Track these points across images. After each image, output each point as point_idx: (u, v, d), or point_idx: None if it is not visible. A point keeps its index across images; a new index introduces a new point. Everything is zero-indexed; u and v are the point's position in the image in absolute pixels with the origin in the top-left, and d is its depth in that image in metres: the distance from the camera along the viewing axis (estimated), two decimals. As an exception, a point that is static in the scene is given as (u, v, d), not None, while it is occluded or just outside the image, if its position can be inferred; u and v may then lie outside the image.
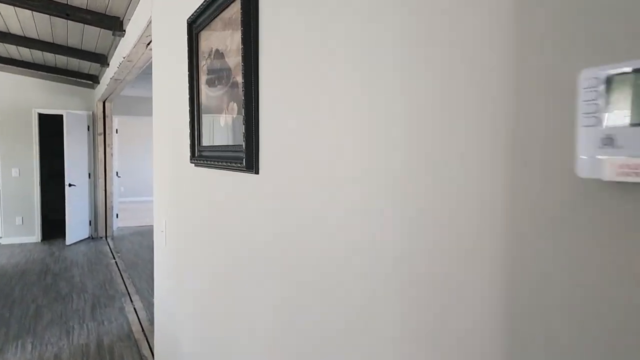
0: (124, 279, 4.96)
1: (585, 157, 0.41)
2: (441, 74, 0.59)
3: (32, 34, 4.33)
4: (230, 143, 1.29)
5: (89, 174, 7.18)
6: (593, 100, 0.40)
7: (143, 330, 3.58)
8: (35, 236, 6.88)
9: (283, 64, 1.00)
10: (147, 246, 6.69)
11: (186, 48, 1.61)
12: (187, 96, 1.63)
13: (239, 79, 1.20)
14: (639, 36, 0.38)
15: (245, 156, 1.14)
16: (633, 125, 0.37)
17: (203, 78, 1.52)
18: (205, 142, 1.53)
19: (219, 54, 1.35)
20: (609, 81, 0.38)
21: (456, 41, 0.56)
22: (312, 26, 0.88)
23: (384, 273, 0.69)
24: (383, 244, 0.69)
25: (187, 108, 1.65)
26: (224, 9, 1.28)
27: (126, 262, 5.75)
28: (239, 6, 1.13)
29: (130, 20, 3.31)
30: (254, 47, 1.11)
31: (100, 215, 7.28)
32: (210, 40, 1.42)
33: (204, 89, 1.51)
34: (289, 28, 0.96)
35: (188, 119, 1.64)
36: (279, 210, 1.03)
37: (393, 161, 0.67)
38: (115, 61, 4.37)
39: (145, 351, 3.18)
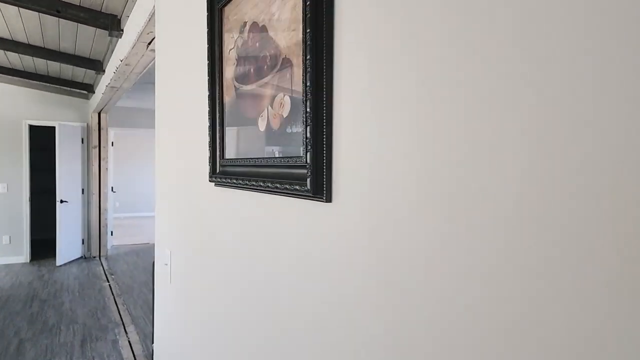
0: (118, 306, 4.50)
1: None
2: None
3: (20, 37, 3.94)
4: (278, 155, 0.89)
5: (82, 190, 6.74)
6: None
7: (140, 370, 3.13)
8: (24, 256, 6.40)
9: (381, 28, 0.61)
10: (142, 267, 6.23)
11: (205, 31, 1.21)
12: (206, 95, 1.23)
13: (297, 59, 0.80)
14: None
15: (310, 174, 0.74)
16: None
17: (229, 69, 1.12)
18: (230, 153, 1.13)
19: (259, 29, 0.95)
20: None
21: None
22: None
23: None
24: None
25: (205, 110, 1.26)
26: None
27: (121, 285, 5.29)
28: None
29: (129, 17, 2.93)
30: (326, 5, 0.72)
31: (94, 233, 6.82)
32: (242, 12, 1.03)
33: (230, 84, 1.12)
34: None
35: (207, 124, 1.24)
36: (370, 267, 0.63)
37: None
38: (111, 66, 3.98)
39: (143, 398, 2.73)
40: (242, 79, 1.06)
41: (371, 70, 0.64)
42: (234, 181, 1.06)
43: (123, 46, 3.24)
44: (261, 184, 0.93)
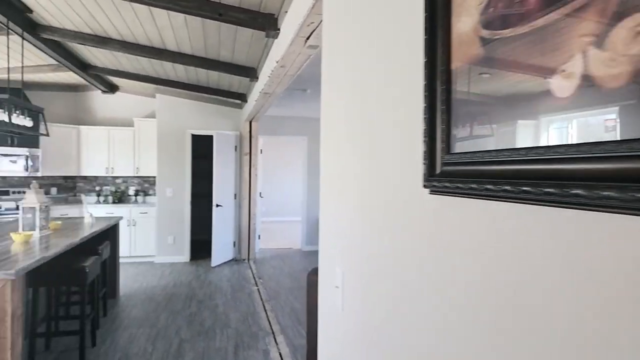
0: (267, 313, 4.46)
1: None
2: None
3: (185, 47, 4.15)
4: (621, 138, 0.46)
5: (235, 195, 7.07)
6: None
7: (292, 390, 2.93)
8: (185, 256, 6.93)
9: None
10: (287, 272, 6.26)
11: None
12: (410, 67, 0.86)
13: None
14: None
15: None
16: None
17: (466, 20, 0.73)
18: (463, 147, 0.73)
19: None
20: None
21: None
22: None
23: None
24: None
25: (412, 92, 0.88)
26: None
27: (268, 290, 5.31)
28: None
29: (287, 13, 2.77)
30: None
31: (244, 237, 7.10)
32: None
33: (469, 38, 0.72)
34: None
35: (416, 108, 0.86)
36: None
37: None
38: (265, 71, 3.95)
39: None
40: (501, 21, 0.65)
41: None
42: (476, 188, 0.66)
43: (279, 47, 3.11)
44: (557, 191, 0.51)
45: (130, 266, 6.45)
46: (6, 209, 6.00)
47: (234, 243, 7.10)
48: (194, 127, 6.90)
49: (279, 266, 6.69)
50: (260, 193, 7.82)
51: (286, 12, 2.79)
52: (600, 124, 0.49)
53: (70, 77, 6.18)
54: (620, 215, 0.44)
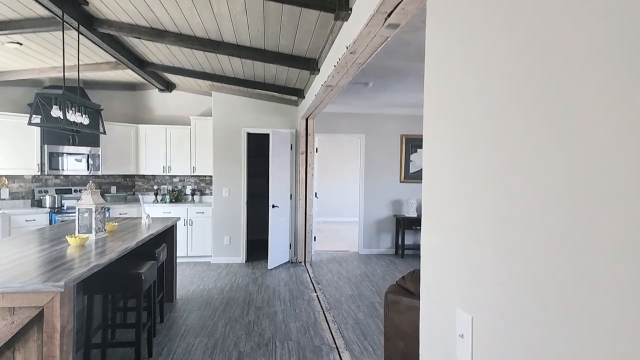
0: (329, 324, 4.12)
1: None
2: None
3: (244, 38, 3.87)
4: None
5: (290, 195, 6.80)
6: None
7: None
8: (241, 257, 6.73)
9: None
10: (346, 278, 5.89)
11: None
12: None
13: None
14: None
15: None
16: None
17: None
18: None
19: None
20: None
21: None
22: None
23: None
24: None
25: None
26: None
27: (328, 298, 4.97)
28: None
29: (363, -12, 2.39)
30: None
31: (300, 238, 6.81)
32: None
33: None
34: None
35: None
36: None
37: None
38: (329, 61, 3.60)
39: None
40: None
41: None
42: None
43: (349, 30, 2.74)
44: None
45: (186, 266, 6.34)
46: (68, 208, 6.04)
47: (290, 245, 6.83)
48: (250, 125, 6.69)
49: (336, 271, 6.33)
50: (315, 193, 7.50)
51: (361, -13, 2.41)
52: None
53: (128, 75, 6.13)
54: None
